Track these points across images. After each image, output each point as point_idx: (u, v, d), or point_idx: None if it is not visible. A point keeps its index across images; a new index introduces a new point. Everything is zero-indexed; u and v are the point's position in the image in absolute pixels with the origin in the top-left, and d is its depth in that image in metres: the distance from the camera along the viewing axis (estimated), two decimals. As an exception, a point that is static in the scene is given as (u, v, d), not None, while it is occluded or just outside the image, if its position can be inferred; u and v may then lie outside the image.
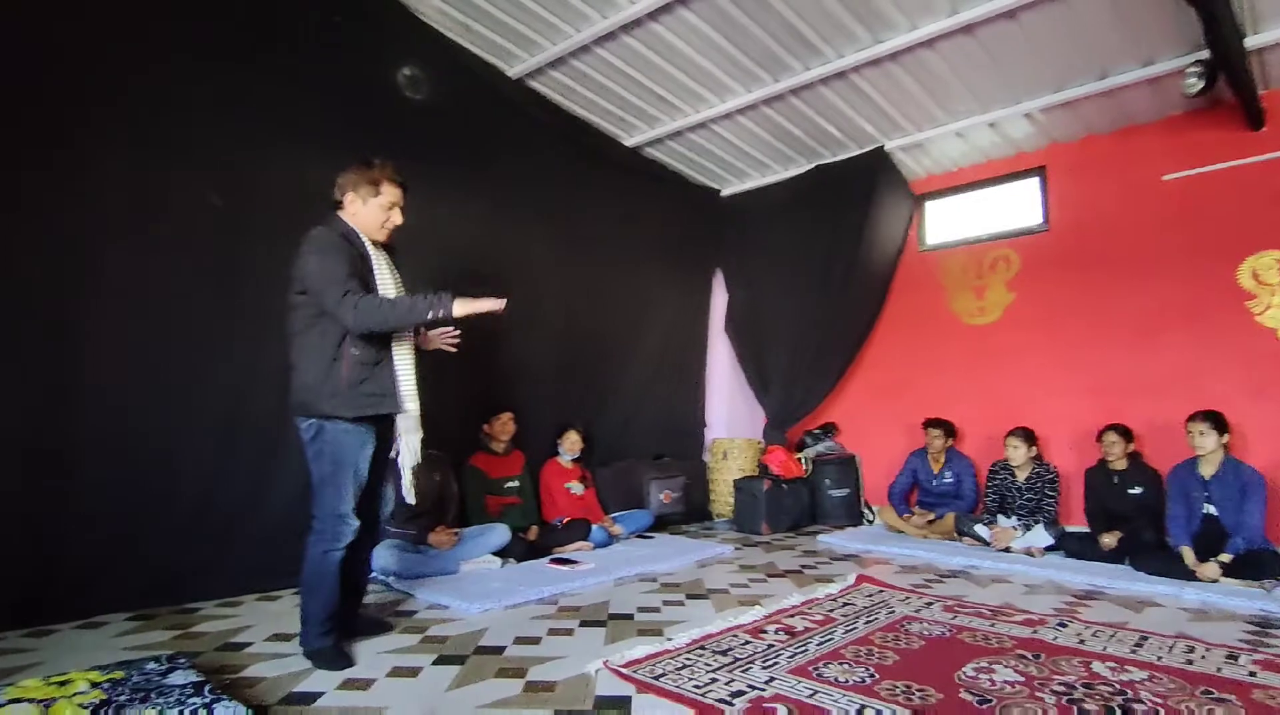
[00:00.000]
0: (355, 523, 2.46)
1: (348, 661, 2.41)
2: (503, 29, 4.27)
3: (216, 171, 3.35)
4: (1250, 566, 3.50)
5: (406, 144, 3.98)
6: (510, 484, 4.50)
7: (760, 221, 6.20)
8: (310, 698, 2.12)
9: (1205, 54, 3.80)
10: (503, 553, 4.01)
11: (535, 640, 2.70)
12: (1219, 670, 2.35)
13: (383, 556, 3.57)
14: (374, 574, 3.54)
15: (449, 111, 4.31)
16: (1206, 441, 3.79)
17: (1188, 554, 3.68)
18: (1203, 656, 2.49)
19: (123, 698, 1.77)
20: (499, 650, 2.58)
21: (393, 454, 2.65)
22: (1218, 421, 3.81)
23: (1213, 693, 2.16)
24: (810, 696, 2.11)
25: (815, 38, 4.15)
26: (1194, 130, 4.62)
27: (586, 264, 5.34)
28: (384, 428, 2.56)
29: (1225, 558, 3.56)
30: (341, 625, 2.52)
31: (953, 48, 4.17)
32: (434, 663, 2.44)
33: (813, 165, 5.82)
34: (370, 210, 2.51)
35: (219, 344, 3.35)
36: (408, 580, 3.57)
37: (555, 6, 4.04)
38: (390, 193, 2.53)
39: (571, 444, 4.81)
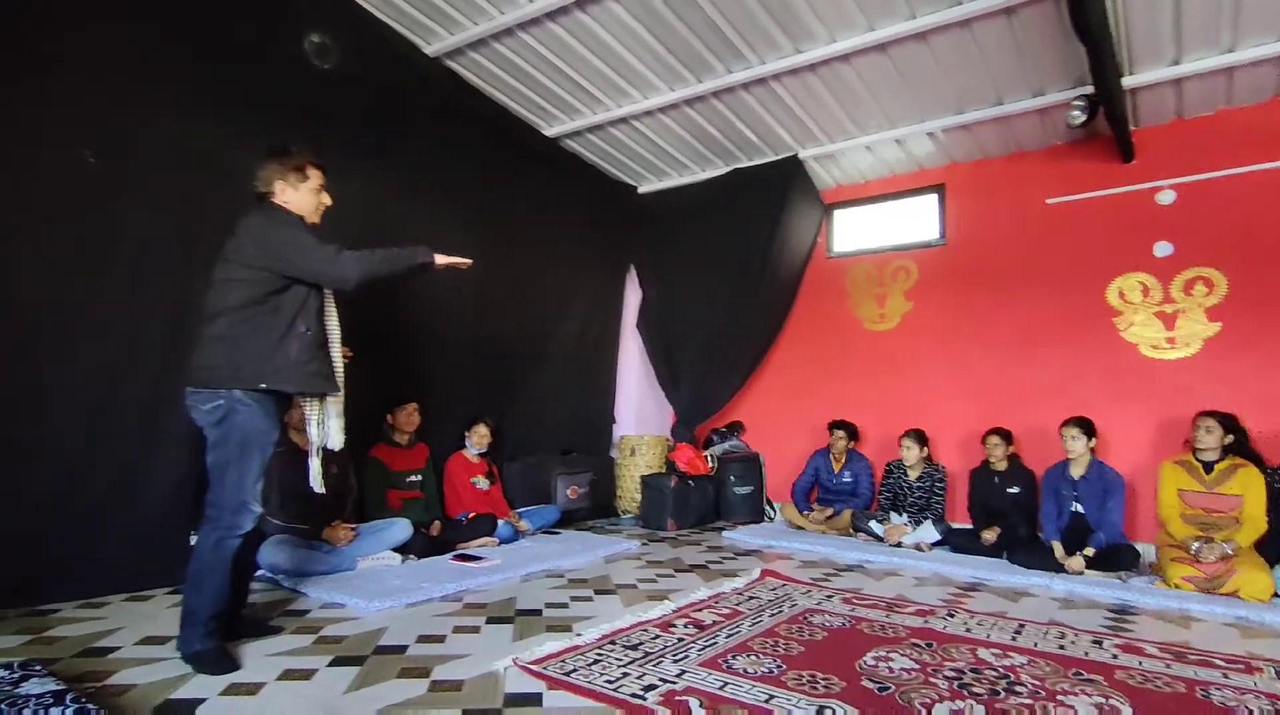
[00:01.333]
0: (258, 509, 2.35)
1: (233, 665, 2.23)
2: (422, 3, 4.08)
3: (89, 130, 3.02)
4: (1110, 560, 3.84)
5: (309, 115, 3.76)
6: (412, 477, 4.32)
7: (675, 220, 6.25)
8: (190, 705, 1.94)
9: (1089, 89, 4.14)
10: (403, 549, 3.85)
11: (440, 639, 2.60)
12: (1087, 654, 2.56)
13: (270, 553, 3.34)
14: (260, 571, 3.32)
15: (357, 86, 4.06)
16: (1077, 445, 4.14)
17: (1058, 548, 4.00)
18: (1073, 642, 2.70)
19: (-38, 711, 1.56)
20: (401, 650, 2.46)
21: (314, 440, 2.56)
22: (1087, 427, 4.16)
23: (1083, 674, 2.34)
24: (721, 688, 2.13)
25: (739, 41, 4.22)
26: (1074, 159, 5.03)
27: (499, 253, 5.18)
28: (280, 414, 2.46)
29: (1089, 551, 3.88)
30: (222, 626, 2.34)
31: (867, 64, 4.34)
32: (330, 664, 2.30)
33: (729, 168, 5.92)
34: (303, 195, 2.54)
35: (85, 319, 3.01)
36: (298, 578, 3.35)
37: (480, -15, 3.92)
38: (316, 175, 2.55)
39: (480, 437, 4.68)
